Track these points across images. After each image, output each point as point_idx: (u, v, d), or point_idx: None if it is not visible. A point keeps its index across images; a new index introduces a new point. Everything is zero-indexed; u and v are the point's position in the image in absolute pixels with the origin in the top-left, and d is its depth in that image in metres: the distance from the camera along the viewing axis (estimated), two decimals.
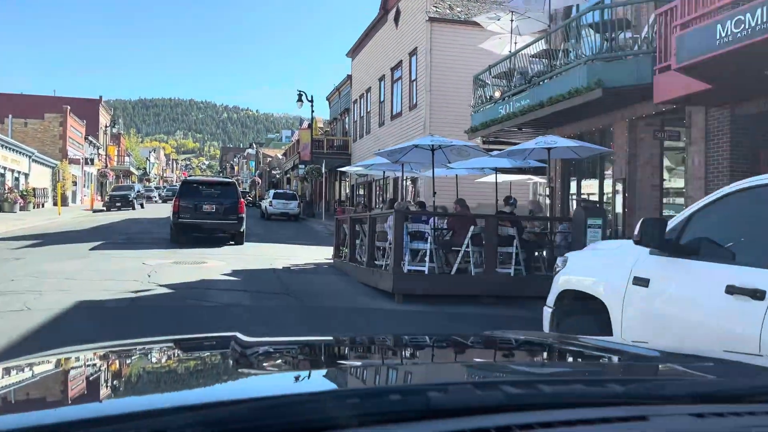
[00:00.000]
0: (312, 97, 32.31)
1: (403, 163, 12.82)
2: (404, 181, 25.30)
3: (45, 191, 39.79)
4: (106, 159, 47.63)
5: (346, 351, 1.83)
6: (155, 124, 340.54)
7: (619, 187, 11.51)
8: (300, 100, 31.76)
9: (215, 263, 12.87)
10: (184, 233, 17.68)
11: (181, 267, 12.11)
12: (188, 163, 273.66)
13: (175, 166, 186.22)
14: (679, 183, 11.01)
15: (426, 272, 9.20)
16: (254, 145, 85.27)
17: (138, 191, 42.67)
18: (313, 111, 32.69)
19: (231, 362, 1.57)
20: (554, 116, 11.31)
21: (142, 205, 40.48)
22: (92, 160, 49.65)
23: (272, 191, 31.94)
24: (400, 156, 11.89)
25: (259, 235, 21.63)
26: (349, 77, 37.15)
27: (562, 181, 13.62)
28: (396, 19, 27.54)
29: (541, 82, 11.69)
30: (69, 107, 44.46)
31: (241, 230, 18.53)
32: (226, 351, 1.65)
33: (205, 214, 17.75)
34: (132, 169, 61.53)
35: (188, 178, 24.92)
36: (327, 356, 1.74)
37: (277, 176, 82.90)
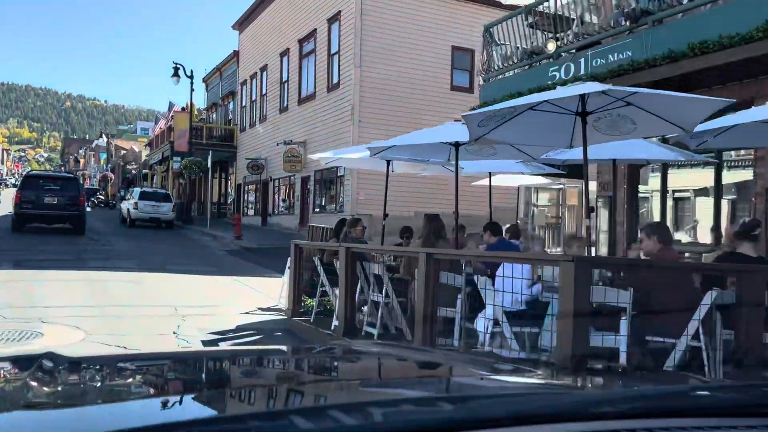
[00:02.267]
0: (192, 72, 25.67)
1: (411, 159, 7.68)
2: (341, 180, 19.84)
3: None
4: None
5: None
6: None
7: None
8: (176, 74, 24.98)
9: (61, 335, 6.65)
10: (27, 223, 18.82)
11: None
12: (23, 154, 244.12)
13: (6, 157, 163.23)
14: None
15: None
16: (105, 136, 74.08)
17: None
18: (192, 89, 26.01)
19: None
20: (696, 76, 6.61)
21: None
22: None
23: (137, 190, 24.75)
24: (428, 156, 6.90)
25: (129, 255, 15.09)
26: (236, 54, 30.75)
27: (630, 187, 8.99)
28: None
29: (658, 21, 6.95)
30: None
31: (83, 221, 19.65)
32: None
33: (47, 205, 18.59)
34: None
35: (31, 172, 25.83)
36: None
37: (133, 171, 72.71)
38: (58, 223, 19.17)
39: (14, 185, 54.33)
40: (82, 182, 60.31)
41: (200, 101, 37.11)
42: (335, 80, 20.01)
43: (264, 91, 26.83)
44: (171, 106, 36.36)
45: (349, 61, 18.91)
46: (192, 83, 25.81)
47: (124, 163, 76.42)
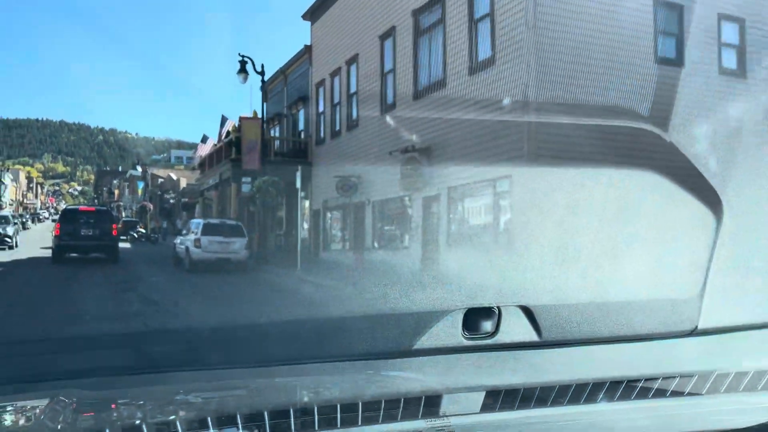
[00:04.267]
0: (263, 67, 19.92)
1: None
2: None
3: None
4: None
5: None
6: (19, 146, 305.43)
7: None
8: (243, 70, 19.24)
9: None
10: (66, 254, 19.35)
11: None
12: (57, 188, 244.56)
13: (40, 191, 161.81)
14: None
15: None
16: (139, 164, 69.39)
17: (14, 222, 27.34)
18: (264, 88, 20.16)
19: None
20: None
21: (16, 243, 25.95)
22: None
23: (199, 222, 18.73)
24: None
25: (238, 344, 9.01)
26: (308, 50, 24.99)
27: None
28: None
29: None
30: None
31: (116, 251, 20.14)
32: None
33: (83, 237, 19.35)
34: None
35: (68, 206, 27.76)
36: None
37: (172, 201, 67.60)
38: (94, 253, 20.10)
39: (52, 220, 50.08)
40: (116, 214, 55.25)
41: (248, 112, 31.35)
42: (486, 54, 13.89)
43: (353, 89, 20.89)
44: (224, 120, 30.78)
45: (517, 21, 12.78)
46: (263, 80, 20.05)
47: (162, 193, 71.42)
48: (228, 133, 28.98)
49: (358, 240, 20.55)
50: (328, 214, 23.27)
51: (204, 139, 34.46)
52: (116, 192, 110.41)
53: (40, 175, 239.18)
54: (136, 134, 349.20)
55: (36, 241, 43.35)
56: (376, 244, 19.21)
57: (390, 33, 18.25)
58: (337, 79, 22.35)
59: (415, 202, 16.80)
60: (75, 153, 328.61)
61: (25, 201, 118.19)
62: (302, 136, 26.20)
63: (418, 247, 16.51)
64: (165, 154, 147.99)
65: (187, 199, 66.52)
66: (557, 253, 10.67)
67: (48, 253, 25.43)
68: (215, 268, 17.49)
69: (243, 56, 19.19)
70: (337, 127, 22.34)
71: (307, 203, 26.08)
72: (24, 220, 67.30)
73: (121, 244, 38.39)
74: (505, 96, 13.19)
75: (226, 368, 3.23)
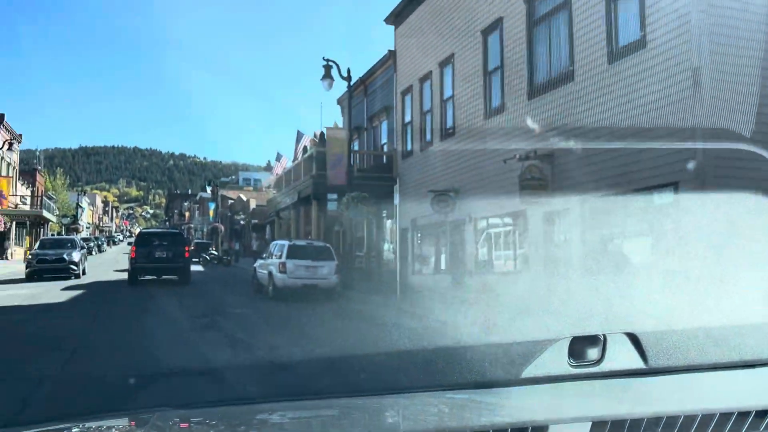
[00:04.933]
0: (349, 71, 17.95)
1: None
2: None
3: None
4: None
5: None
6: (97, 172, 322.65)
7: None
8: (328, 75, 17.33)
9: None
10: (141, 276, 20.37)
11: None
12: (131, 212, 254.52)
13: (115, 214, 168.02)
14: None
15: None
16: (211, 185, 69.45)
17: (81, 247, 25.51)
18: (351, 93, 18.19)
19: None
20: None
21: (83, 270, 24.18)
22: None
23: (283, 243, 16.71)
24: None
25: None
26: (392, 55, 23.02)
27: None
28: None
29: None
30: None
31: (188, 273, 20.94)
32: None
33: (157, 259, 20.03)
34: (48, 215, 44.96)
35: (143, 230, 26.70)
36: None
37: (242, 222, 67.16)
38: (167, 275, 20.54)
39: (128, 243, 51.03)
40: (187, 236, 54.86)
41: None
42: (636, 36, 11.33)
43: (448, 94, 18.67)
44: (299, 136, 29.14)
45: None
46: (350, 86, 18.10)
47: (232, 214, 71.31)
48: (305, 148, 27.32)
49: (455, 263, 18.15)
50: (418, 234, 21.01)
51: (278, 157, 33.00)
52: (186, 214, 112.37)
53: (116, 199, 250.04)
54: (204, 158, 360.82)
55: (109, 263, 43.07)
56: (478, 268, 16.75)
57: (495, 26, 15.95)
58: (427, 84, 20.21)
59: (532, 219, 14.28)
60: (147, 177, 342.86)
61: (101, 224, 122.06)
62: (385, 149, 24.18)
63: (535, 271, 13.96)
64: (233, 177, 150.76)
65: (257, 221, 65.99)
66: (665, 277, 10.14)
67: (117, 280, 24.42)
68: (302, 296, 15.48)
69: (328, 60, 17.34)
70: (428, 137, 20.14)
71: (388, 222, 23.95)
72: (100, 242, 68.51)
73: (194, 267, 37.42)
74: (664, 88, 10.58)
75: (326, 398, 3.11)
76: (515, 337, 7.85)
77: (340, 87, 22.52)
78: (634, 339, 2.55)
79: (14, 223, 44.14)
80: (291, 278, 15.27)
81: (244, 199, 71.04)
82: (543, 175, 13.41)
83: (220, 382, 6.56)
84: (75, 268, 22.38)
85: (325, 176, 21.42)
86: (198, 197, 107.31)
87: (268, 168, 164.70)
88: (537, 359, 2.71)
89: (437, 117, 19.42)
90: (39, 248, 24.56)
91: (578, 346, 2.54)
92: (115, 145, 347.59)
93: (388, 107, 23.79)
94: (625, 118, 11.56)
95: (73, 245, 24.20)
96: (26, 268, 22.62)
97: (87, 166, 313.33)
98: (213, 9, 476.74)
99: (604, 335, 2.54)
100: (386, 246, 24.53)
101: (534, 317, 11.56)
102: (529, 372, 2.66)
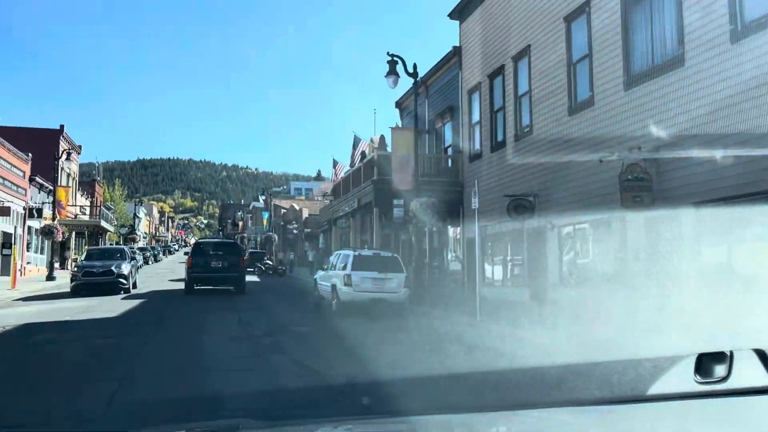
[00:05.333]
0: (415, 67, 16.59)
1: None
2: None
3: None
4: (54, 207, 31.38)
5: None
6: (154, 184, 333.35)
7: None
8: (393, 72, 16.03)
9: None
10: (196, 285, 20.39)
11: None
12: (186, 222, 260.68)
13: (170, 224, 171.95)
14: None
15: None
16: (264, 195, 69.29)
17: (132, 258, 22.81)
18: (417, 90, 16.84)
19: None
20: None
21: (134, 284, 22.03)
22: (39, 211, 33.60)
23: (347, 254, 15.31)
24: None
25: None
26: (457, 52, 21.55)
27: None
28: None
29: None
30: None
31: (243, 283, 20.77)
32: None
33: (213, 269, 20.04)
34: (105, 225, 45.30)
35: (199, 240, 26.88)
36: None
37: (295, 232, 66.65)
38: (223, 285, 20.54)
39: (185, 253, 51.41)
40: (241, 245, 54.64)
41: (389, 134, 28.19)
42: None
43: (524, 89, 17.07)
44: (356, 141, 27.94)
45: None
46: (416, 82, 16.76)
47: (285, 223, 70.91)
48: (363, 154, 26.10)
49: (534, 275, 16.46)
50: (488, 243, 19.39)
51: (334, 164, 31.94)
52: (240, 224, 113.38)
53: (172, 209, 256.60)
54: (256, 169, 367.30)
55: (165, 272, 42.84)
56: (564, 280, 15.03)
57: (582, 10, 14.30)
58: (498, 81, 18.66)
59: (632, 225, 12.51)
60: (201, 188, 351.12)
61: (157, 234, 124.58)
62: (448, 152, 22.69)
63: (637, 284, 12.18)
64: (284, 187, 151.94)
65: (309, 230, 65.35)
66: None
67: (173, 290, 23.67)
68: (369, 312, 14.10)
69: (393, 56, 16.03)
70: (500, 137, 18.56)
71: (452, 230, 22.39)
72: (156, 252, 69.23)
73: (249, 277, 36.68)
74: None
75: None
76: (628, 355, 7.55)
77: (399, 89, 21.20)
78: (763, 356, 2.47)
79: (74, 233, 44.60)
80: (357, 292, 13.93)
81: (297, 208, 70.57)
82: (647, 176, 11.66)
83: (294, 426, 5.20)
84: (124, 281, 20.19)
85: (386, 181, 20.08)
86: (251, 207, 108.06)
87: (319, 177, 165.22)
88: (663, 376, 2.73)
89: (510, 115, 17.83)
90: (85, 259, 22.03)
91: (704, 363, 2.50)
92: (171, 157, 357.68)
93: (453, 107, 22.31)
94: (752, 107, 9.77)
95: (122, 256, 21.86)
96: (71, 282, 20.29)
97: (144, 178, 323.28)
98: (266, 25, 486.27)
99: (731, 351, 2.50)
100: (450, 255, 22.97)
101: (644, 334, 10.23)
102: (655, 389, 2.68)
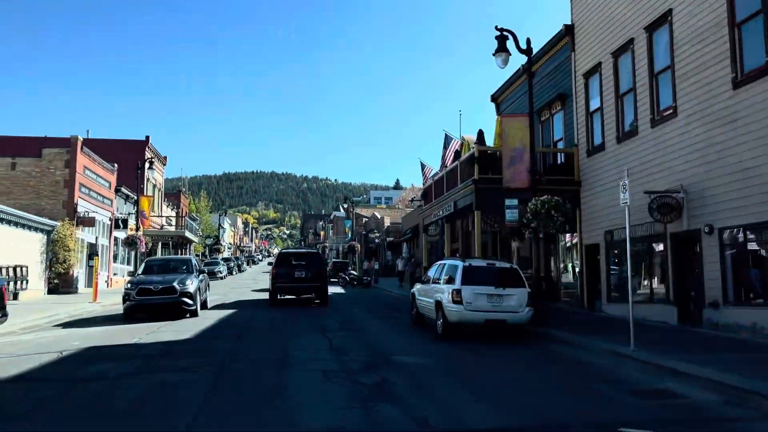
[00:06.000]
0: (529, 42, 13.97)
1: None
2: None
3: (23, 271, 22.97)
4: (137, 218, 30.76)
5: None
6: (238, 196, 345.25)
7: None
8: (502, 48, 13.47)
9: None
10: (280, 295, 20.90)
11: None
12: (269, 233, 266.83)
13: (254, 234, 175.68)
14: None
15: None
16: (346, 203, 67.89)
17: (200, 271, 18.28)
18: (531, 68, 14.23)
19: None
20: None
21: (202, 304, 17.40)
22: (125, 222, 33.21)
23: (457, 265, 12.63)
24: None
25: None
26: (569, 30, 18.70)
27: None
28: None
29: None
30: (81, 138, 28.28)
31: (326, 292, 20.62)
32: None
33: (296, 279, 20.10)
34: (190, 235, 44.98)
35: (283, 250, 25.42)
36: None
37: (377, 241, 64.80)
38: (306, 295, 20.85)
39: (269, 263, 51.00)
40: (324, 256, 53.17)
41: (488, 130, 25.50)
42: None
43: (663, 65, 14.06)
44: (448, 140, 25.47)
45: None
46: (530, 58, 14.14)
47: (366, 232, 69.37)
48: (457, 153, 23.57)
49: (685, 289, 13.35)
50: (614, 250, 16.38)
51: (422, 167, 29.60)
52: (321, 233, 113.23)
53: (255, 221, 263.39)
54: (335, 180, 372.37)
55: (248, 283, 41.67)
56: (730, 296, 11.88)
57: None
58: (625, 58, 15.70)
59: None
60: (284, 200, 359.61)
61: (241, 244, 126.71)
62: (559, 146, 19.79)
63: None
64: (363, 196, 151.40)
65: (392, 238, 63.33)
66: None
67: (255, 301, 22.22)
68: (483, 335, 11.54)
69: (502, 30, 13.51)
70: (628, 125, 15.58)
71: (561, 236, 19.43)
72: (239, 262, 69.26)
73: (333, 288, 34.77)
74: None
75: None
76: None
77: (495, 80, 18.44)
78: None
79: (160, 243, 44.58)
80: (469, 311, 11.40)
81: (379, 216, 68.76)
82: None
83: None
84: (190, 302, 15.68)
85: (490, 180, 17.47)
86: (332, 216, 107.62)
87: (398, 186, 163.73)
88: None
89: (644, 97, 14.83)
90: (143, 272, 17.52)
91: None
92: (254, 171, 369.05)
93: (563, 95, 19.43)
94: None
95: (189, 268, 17.46)
96: (123, 302, 15.84)
97: (230, 191, 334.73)
98: (350, 49, 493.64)
99: None
100: (561, 265, 19.97)
101: None
102: None
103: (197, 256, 63.41)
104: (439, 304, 12.13)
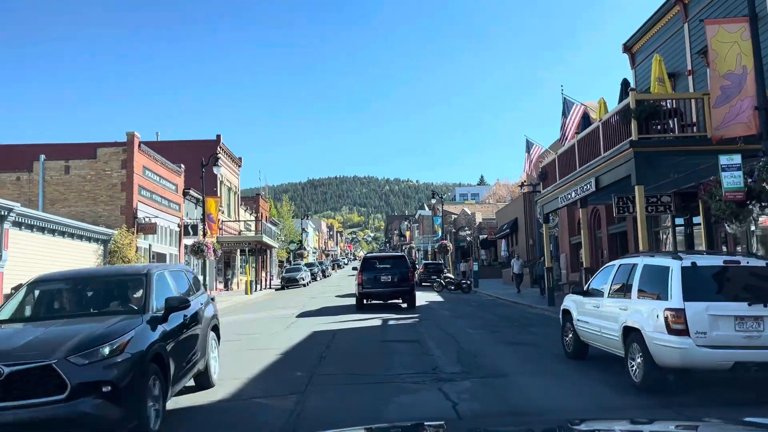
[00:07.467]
0: None
1: None
2: None
3: None
4: (204, 223, 27.27)
5: None
6: (322, 201, 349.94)
7: None
8: None
9: None
10: (366, 300, 20.74)
11: None
12: (354, 236, 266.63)
13: (339, 238, 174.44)
14: None
15: None
16: (434, 198, 63.00)
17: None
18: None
19: None
20: None
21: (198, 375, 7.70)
22: (195, 228, 29.94)
23: (666, 264, 7.24)
24: None
25: None
26: None
27: None
28: None
29: None
30: (138, 135, 25.09)
31: (413, 296, 20.58)
32: None
33: (382, 283, 20.34)
34: (268, 240, 41.65)
35: (368, 254, 24.77)
36: None
37: (468, 238, 59.50)
38: (392, 299, 20.82)
39: (353, 268, 47.94)
40: (409, 257, 48.61)
41: (610, 95, 19.94)
42: None
43: None
44: (569, 105, 20.09)
45: None
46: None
47: (456, 230, 64.18)
48: (586, 119, 18.23)
49: None
50: None
51: (528, 147, 24.38)
52: (407, 234, 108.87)
53: (341, 225, 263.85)
54: (417, 181, 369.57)
55: (332, 288, 37.62)
56: None
57: None
58: None
59: None
60: (367, 203, 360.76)
61: (326, 248, 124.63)
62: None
63: None
64: (449, 193, 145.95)
65: (485, 236, 57.81)
66: None
67: (341, 307, 21.64)
68: (734, 388, 6.47)
69: None
70: None
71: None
72: (324, 267, 65.99)
73: (427, 293, 30.04)
74: None
75: None
76: None
77: (621, 33, 13.14)
78: None
79: (238, 251, 41.52)
80: (703, 347, 6.34)
81: (469, 212, 63.37)
82: None
83: None
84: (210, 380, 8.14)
85: (658, 142, 12.12)
86: (417, 215, 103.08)
87: (482, 183, 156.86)
88: None
89: None
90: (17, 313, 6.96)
91: None
92: (337, 176, 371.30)
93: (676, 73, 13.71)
94: None
95: (139, 299, 6.89)
96: None
97: (315, 197, 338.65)
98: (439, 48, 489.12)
99: None
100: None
101: None
102: None
103: (281, 263, 60.38)
104: (628, 333, 7.13)
